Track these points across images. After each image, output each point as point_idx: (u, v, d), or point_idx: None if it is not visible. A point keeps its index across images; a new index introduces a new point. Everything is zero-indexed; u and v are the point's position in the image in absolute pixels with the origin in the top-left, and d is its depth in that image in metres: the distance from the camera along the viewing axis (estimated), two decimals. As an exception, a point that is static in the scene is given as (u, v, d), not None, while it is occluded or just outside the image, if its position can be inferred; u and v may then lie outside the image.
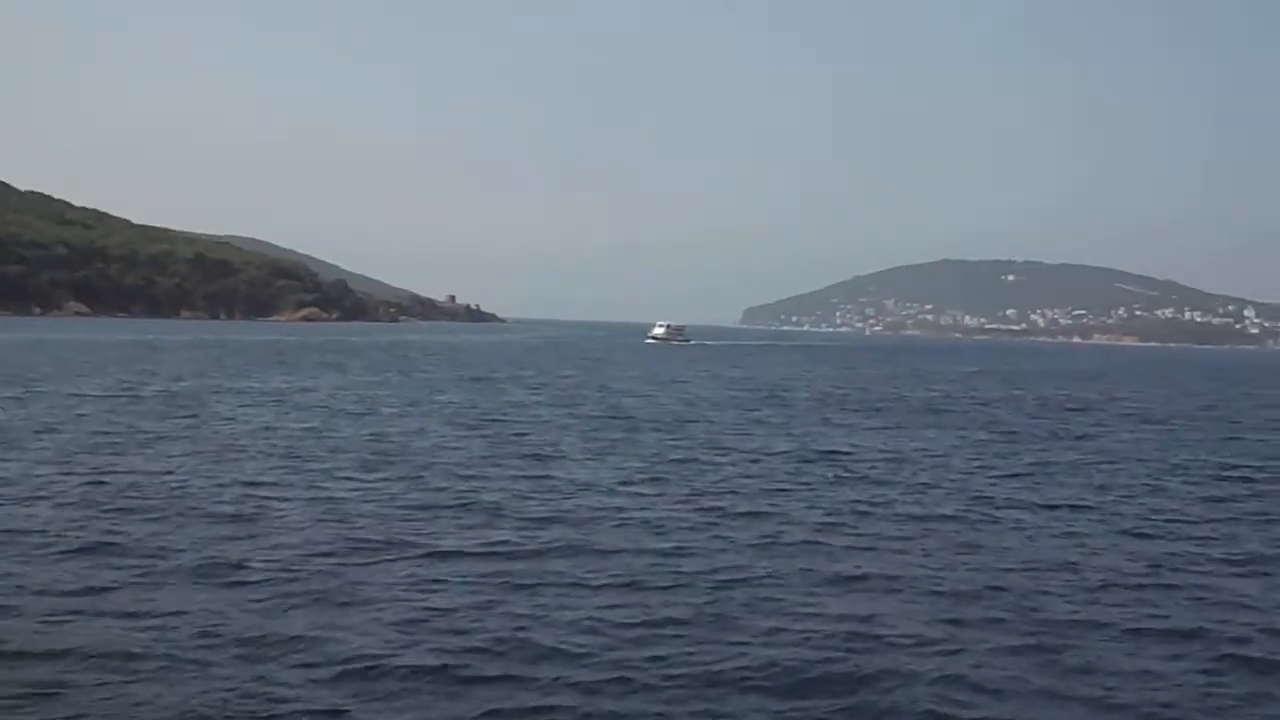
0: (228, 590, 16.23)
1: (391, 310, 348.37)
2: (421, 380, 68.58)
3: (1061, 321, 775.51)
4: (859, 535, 22.18)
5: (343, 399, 51.39)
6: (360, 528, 20.96)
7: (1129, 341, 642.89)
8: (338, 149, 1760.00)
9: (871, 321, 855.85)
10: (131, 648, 13.44)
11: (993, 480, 31.16)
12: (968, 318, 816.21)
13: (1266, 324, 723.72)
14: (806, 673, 13.53)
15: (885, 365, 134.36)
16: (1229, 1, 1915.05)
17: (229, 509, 22.34)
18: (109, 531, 19.79)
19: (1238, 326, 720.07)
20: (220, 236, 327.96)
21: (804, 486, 28.59)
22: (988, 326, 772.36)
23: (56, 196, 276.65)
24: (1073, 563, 20.27)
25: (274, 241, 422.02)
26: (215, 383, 58.70)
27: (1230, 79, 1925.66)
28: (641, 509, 24.18)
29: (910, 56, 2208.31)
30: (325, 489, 25.24)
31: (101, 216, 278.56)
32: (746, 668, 13.59)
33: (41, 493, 23.47)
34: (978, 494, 28.36)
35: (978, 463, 35.17)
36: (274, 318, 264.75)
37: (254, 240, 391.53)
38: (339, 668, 13.04)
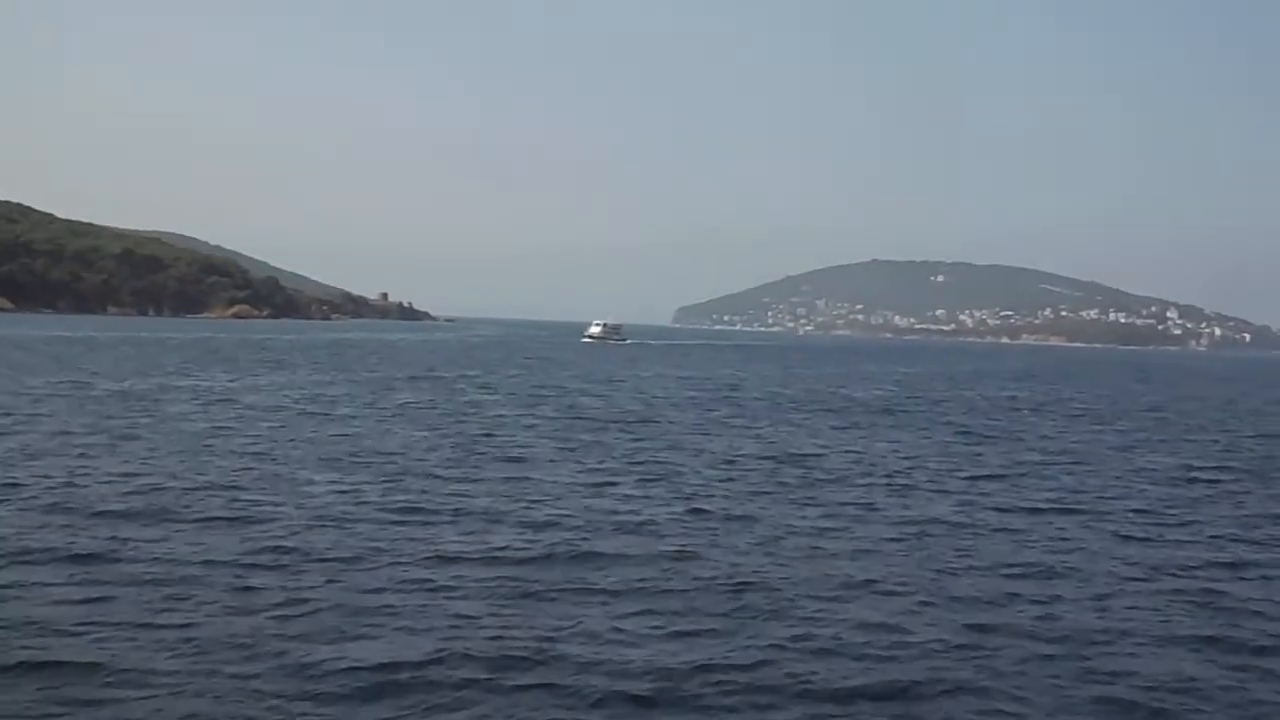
0: (234, 597, 15.71)
1: (324, 308, 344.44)
2: (372, 379, 67.61)
3: (989, 322, 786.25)
4: (857, 539, 22.11)
5: (298, 399, 50.44)
6: (358, 533, 20.48)
7: (1055, 341, 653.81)
8: (264, 145, 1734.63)
9: (803, 321, 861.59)
10: (137, 662, 12.97)
11: (969, 481, 31.35)
12: (898, 318, 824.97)
13: (1188, 325, 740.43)
14: (847, 681, 13.37)
15: (826, 365, 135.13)
16: (1151, 2, 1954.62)
17: (221, 513, 21.72)
18: (107, 538, 19.10)
19: (1160, 328, 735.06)
20: (146, 232, 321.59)
21: (787, 488, 28.50)
22: (917, 326, 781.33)
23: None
24: (1076, 568, 20.33)
25: (200, 238, 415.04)
26: (162, 381, 57.34)
27: (1155, 82, 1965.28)
28: (633, 512, 23.94)
29: (836, 59, 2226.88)
30: (309, 492, 24.68)
31: (26, 211, 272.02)
32: (789, 675, 13.41)
33: (17, 497, 22.65)
34: (960, 496, 28.50)
35: (949, 464, 35.32)
36: (204, 315, 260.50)
37: (180, 236, 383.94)
38: (366, 681, 12.65)
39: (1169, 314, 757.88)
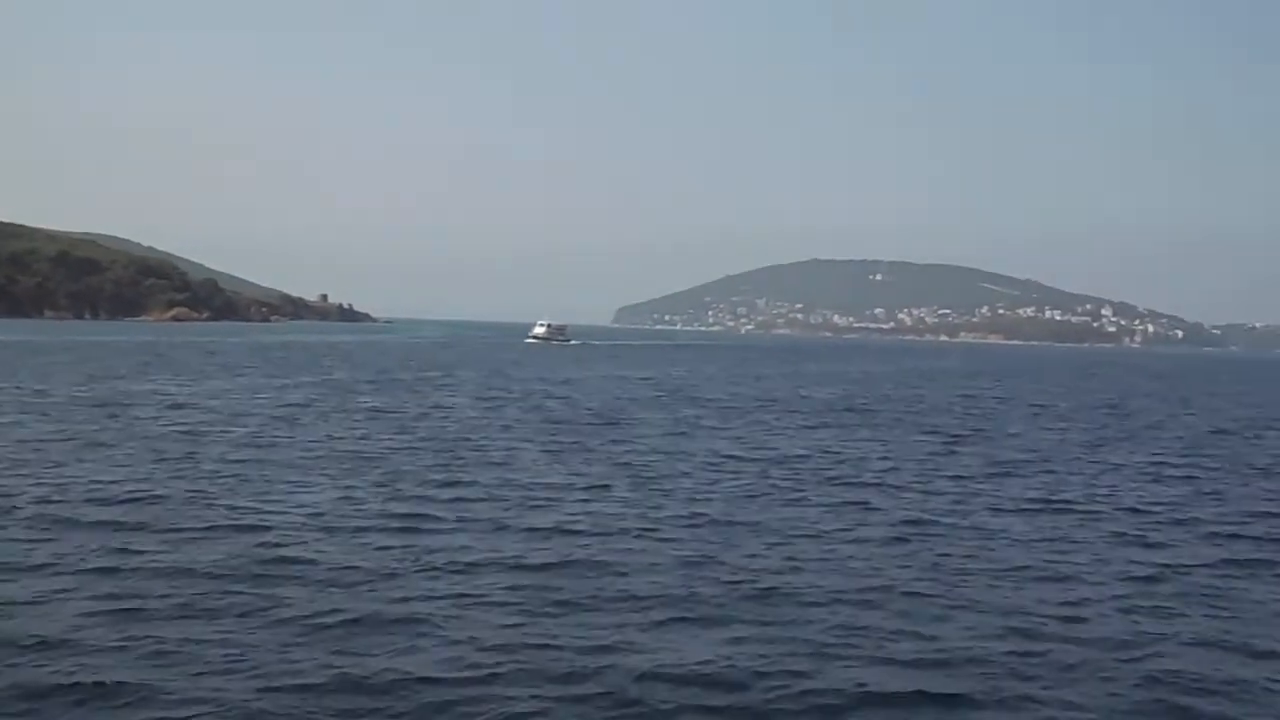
0: (262, 612, 15.36)
1: (263, 310, 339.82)
2: (332, 383, 66.74)
3: (928, 320, 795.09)
4: (865, 541, 22.10)
5: (264, 403, 49.69)
6: (368, 542, 20.14)
7: (994, 340, 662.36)
8: (196, 145, 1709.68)
9: (743, 321, 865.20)
10: (164, 680, 12.63)
11: (955, 481, 31.41)
12: (837, 317, 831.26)
13: (1122, 322, 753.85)
14: (902, 687, 13.33)
15: (776, 365, 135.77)
16: (1090, 2, 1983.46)
17: (223, 522, 21.29)
18: (118, 551, 18.64)
19: (1095, 325, 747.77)
20: (78, 234, 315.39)
21: (781, 490, 28.49)
22: (857, 325, 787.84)
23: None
24: (1088, 569, 20.54)
25: (133, 239, 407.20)
26: (121, 387, 56.17)
27: (1089, 81, 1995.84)
28: (638, 516, 23.74)
29: (768, 59, 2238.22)
30: (306, 500, 24.24)
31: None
32: (847, 682, 13.36)
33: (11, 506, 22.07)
34: (951, 495, 28.61)
35: (931, 464, 35.49)
36: (142, 318, 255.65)
37: (112, 238, 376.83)
38: (422, 698, 12.43)
39: (1104, 311, 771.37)
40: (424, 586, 17.08)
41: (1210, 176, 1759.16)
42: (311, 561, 18.38)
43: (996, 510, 26.56)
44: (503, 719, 11.90)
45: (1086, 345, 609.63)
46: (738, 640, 14.93)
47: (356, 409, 48.30)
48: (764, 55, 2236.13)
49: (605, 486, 27.93)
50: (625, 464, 32.44)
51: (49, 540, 19.27)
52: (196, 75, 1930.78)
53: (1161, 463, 38.77)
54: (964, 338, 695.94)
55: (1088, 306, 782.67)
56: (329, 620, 14.99)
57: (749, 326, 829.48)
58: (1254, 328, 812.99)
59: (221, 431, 37.08)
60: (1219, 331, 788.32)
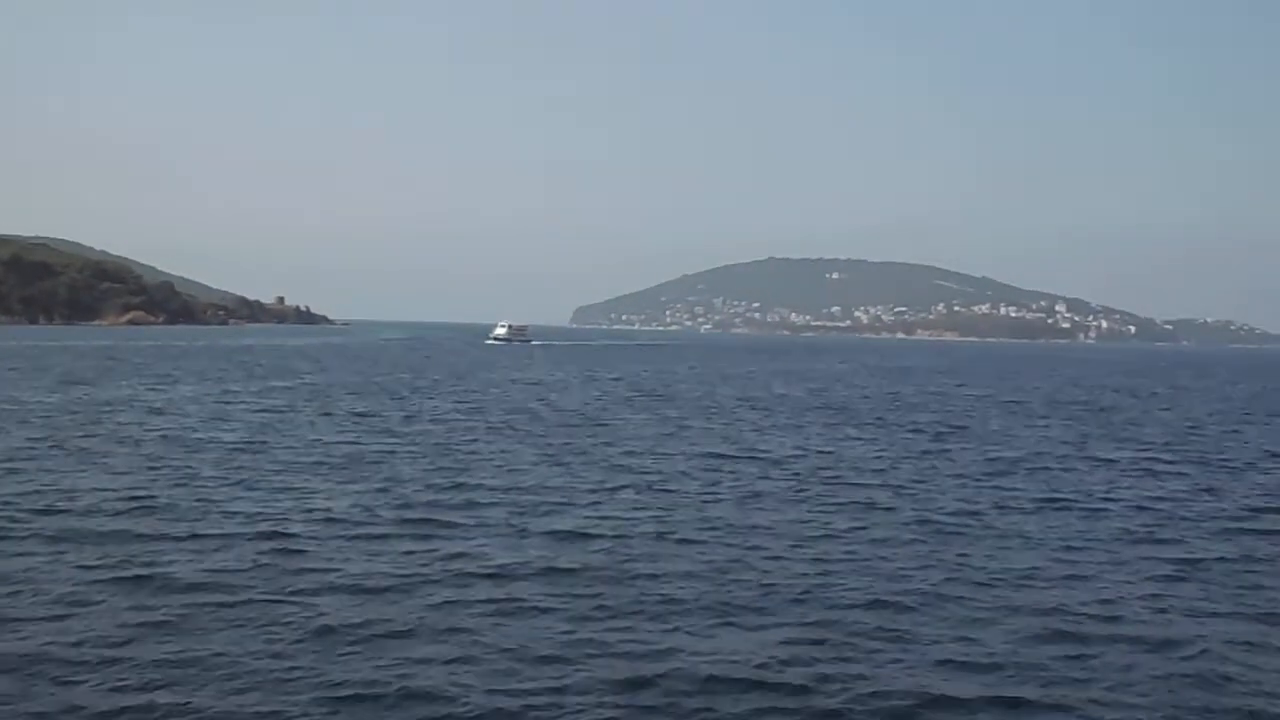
0: (301, 623, 15.10)
1: (220, 313, 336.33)
2: (308, 387, 66.01)
3: (884, 318, 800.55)
4: (883, 542, 22.19)
5: (247, 407, 49.09)
6: (392, 550, 19.90)
7: (950, 337, 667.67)
8: (143, 145, 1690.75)
9: (701, 320, 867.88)
10: (211, 700, 12.40)
11: (956, 480, 31.64)
12: (794, 315, 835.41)
13: (1076, 318, 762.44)
14: (965, 693, 13.34)
15: (742, 364, 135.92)
16: (1042, 3, 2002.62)
17: (243, 529, 20.96)
18: (144, 562, 18.28)
19: (1050, 321, 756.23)
20: (29, 238, 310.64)
21: (786, 490, 28.55)
22: (814, 324, 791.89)
23: None
24: (1111, 569, 20.72)
25: (86, 243, 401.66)
26: (94, 393, 55.25)
27: (1039, 82, 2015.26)
28: (655, 519, 23.69)
29: (726, 60, 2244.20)
30: (319, 505, 23.94)
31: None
32: (917, 687, 13.30)
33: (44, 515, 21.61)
34: (955, 495, 28.82)
35: (926, 463, 35.67)
36: (97, 322, 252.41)
37: (65, 241, 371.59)
38: (484, 712, 12.25)
39: (1058, 308, 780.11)
40: (461, 594, 16.88)
41: (1163, 174, 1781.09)
42: (339, 570, 18.15)
43: (1002, 509, 26.64)
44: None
45: (1042, 342, 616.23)
46: (788, 643, 14.89)
47: (340, 413, 47.79)
48: (720, 54, 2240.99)
49: (611, 489, 27.83)
50: (624, 466, 32.31)
51: (66, 552, 18.89)
52: (138, 76, 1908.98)
53: (1151, 458, 39.11)
54: (920, 335, 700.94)
55: (1042, 303, 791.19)
56: (376, 631, 14.77)
57: (707, 326, 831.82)
58: (1204, 322, 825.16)
59: (212, 437, 36.55)
60: (1170, 327, 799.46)
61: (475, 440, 38.08)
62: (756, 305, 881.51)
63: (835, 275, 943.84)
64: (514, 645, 14.35)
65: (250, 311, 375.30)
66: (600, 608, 16.30)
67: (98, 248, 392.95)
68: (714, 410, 56.19)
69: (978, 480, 31.65)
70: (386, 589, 17.05)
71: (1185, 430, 52.73)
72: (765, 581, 18.21)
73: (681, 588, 17.66)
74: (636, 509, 24.95)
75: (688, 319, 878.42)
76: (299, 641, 14.28)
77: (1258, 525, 25.57)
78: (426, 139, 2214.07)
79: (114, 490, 25.22)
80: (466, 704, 12.31)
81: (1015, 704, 13.01)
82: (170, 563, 18.23)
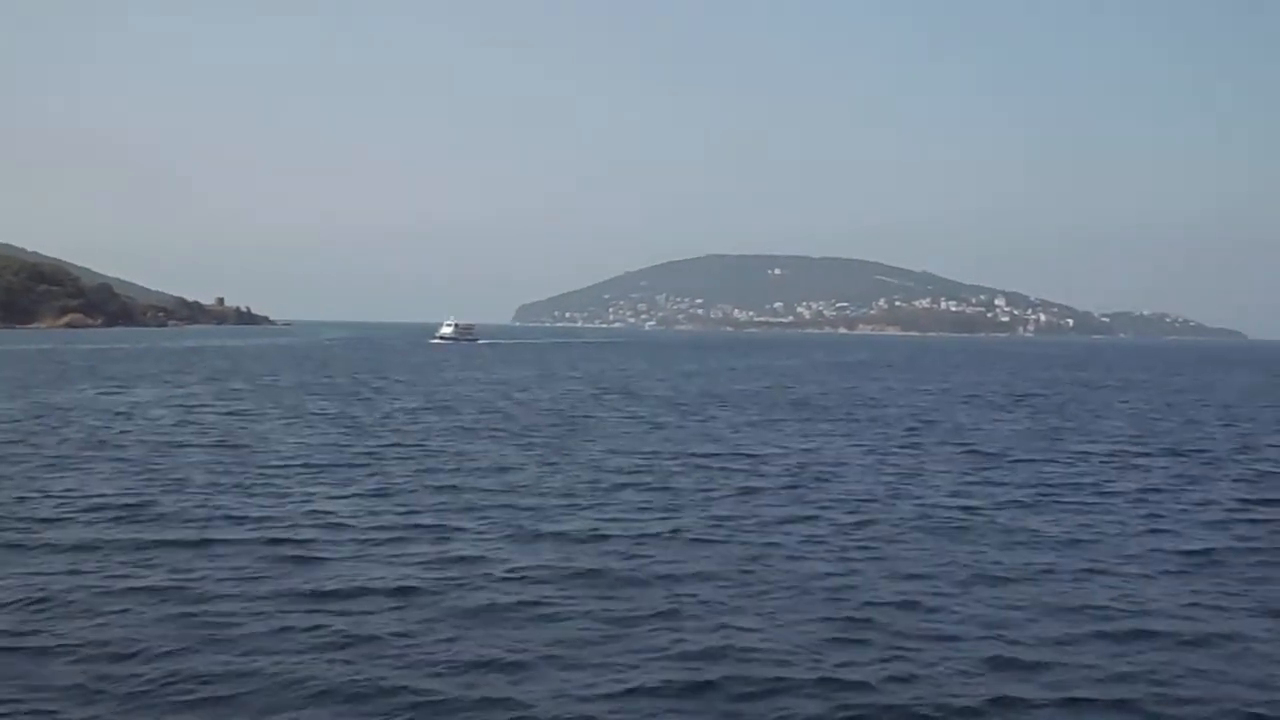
0: (344, 632, 14.82)
1: (160, 314, 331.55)
2: (274, 389, 65.01)
3: (826, 314, 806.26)
4: (894, 538, 22.22)
5: (214, 410, 48.30)
6: (408, 553, 19.60)
7: (892, 331, 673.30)
8: (76, 145, 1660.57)
9: (644, 317, 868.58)
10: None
11: (946, 476, 31.73)
12: (737, 311, 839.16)
13: (1015, 312, 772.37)
14: (1022, 695, 13.33)
15: (695, 360, 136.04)
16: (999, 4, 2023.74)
17: (253, 534, 20.56)
18: (172, 572, 17.86)
19: (989, 315, 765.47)
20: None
21: (781, 488, 28.51)
22: (757, 320, 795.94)
23: None
24: (1125, 566, 20.86)
25: (19, 245, 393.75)
26: (49, 398, 54.14)
27: (979, 80, 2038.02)
28: (662, 519, 23.45)
29: (677, 58, 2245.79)
30: (321, 509, 23.58)
31: None
32: (969, 690, 13.29)
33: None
34: (950, 490, 28.89)
35: (908, 459, 35.74)
36: (34, 325, 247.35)
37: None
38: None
39: (997, 301, 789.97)
40: (493, 598, 16.61)
41: (1092, 171, 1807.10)
42: (363, 574, 17.87)
43: (1000, 504, 26.72)
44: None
45: (982, 335, 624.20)
46: (834, 642, 14.82)
47: (310, 414, 47.20)
48: (668, 54, 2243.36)
49: (608, 488, 27.68)
50: (613, 465, 32.13)
51: (79, 561, 18.43)
52: (73, 74, 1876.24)
53: (1123, 451, 39.55)
54: (862, 330, 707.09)
55: (981, 297, 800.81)
56: (423, 638, 14.53)
57: (650, 323, 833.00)
58: (1141, 315, 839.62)
59: (189, 440, 35.92)
60: (1108, 319, 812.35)
61: (455, 440, 37.76)
62: (700, 302, 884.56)
63: (777, 271, 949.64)
64: (563, 651, 14.16)
65: (190, 313, 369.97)
66: (635, 610, 16.14)
67: (31, 249, 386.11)
68: (685, 407, 56.19)
69: (966, 475, 31.81)
70: (415, 591, 16.82)
71: (1151, 421, 53.47)
72: (792, 582, 18.11)
73: (710, 589, 17.50)
74: (640, 510, 24.75)
75: (631, 316, 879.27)
76: (344, 647, 14.03)
77: (1251, 516, 25.92)
78: (368, 141, 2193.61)
79: (104, 496, 24.70)
80: (534, 712, 12.12)
81: (1073, 704, 12.96)
82: (190, 570, 17.84)
